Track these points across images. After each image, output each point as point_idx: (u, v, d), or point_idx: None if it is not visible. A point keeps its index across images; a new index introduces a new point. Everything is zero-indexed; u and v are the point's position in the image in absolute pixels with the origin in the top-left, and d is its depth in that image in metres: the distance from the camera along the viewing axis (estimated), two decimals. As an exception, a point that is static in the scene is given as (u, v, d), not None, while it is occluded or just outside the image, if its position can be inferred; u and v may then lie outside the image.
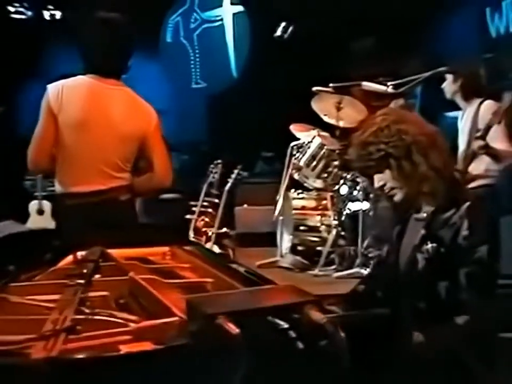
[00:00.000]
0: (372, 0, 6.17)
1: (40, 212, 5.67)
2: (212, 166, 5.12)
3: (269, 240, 5.19)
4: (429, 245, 1.86)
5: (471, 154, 3.44)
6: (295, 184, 4.97)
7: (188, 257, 1.94)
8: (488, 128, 3.32)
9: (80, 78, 2.52)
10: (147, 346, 1.10)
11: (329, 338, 1.10)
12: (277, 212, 4.75)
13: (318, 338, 1.10)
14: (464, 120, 3.78)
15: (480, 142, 3.33)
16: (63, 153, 2.46)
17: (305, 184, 4.89)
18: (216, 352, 1.04)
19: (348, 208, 4.72)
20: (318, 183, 4.80)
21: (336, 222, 4.67)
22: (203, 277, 1.69)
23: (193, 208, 4.81)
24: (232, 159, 5.36)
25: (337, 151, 4.72)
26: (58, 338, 1.07)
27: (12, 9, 7.16)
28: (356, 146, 1.97)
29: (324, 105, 4.86)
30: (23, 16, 7.26)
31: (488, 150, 3.36)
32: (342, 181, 4.74)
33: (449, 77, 3.81)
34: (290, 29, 7.35)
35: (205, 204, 4.88)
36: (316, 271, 4.48)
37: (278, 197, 4.78)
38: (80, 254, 1.82)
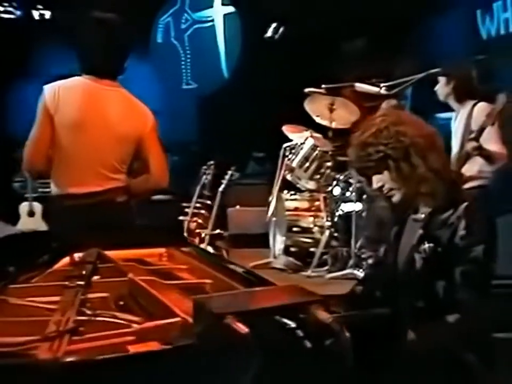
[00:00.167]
0: (363, 1, 6.18)
1: (31, 213, 5.63)
2: (204, 167, 5.11)
3: (262, 241, 5.19)
4: (427, 245, 1.87)
5: (465, 155, 3.46)
6: (287, 185, 4.97)
7: (185, 258, 1.94)
8: (481, 130, 3.34)
9: (76, 79, 2.50)
10: (154, 346, 1.11)
11: (334, 338, 1.11)
12: (270, 213, 4.75)
13: (323, 338, 1.10)
14: (457, 121, 3.81)
15: (474, 144, 3.35)
16: (60, 154, 2.44)
17: (297, 185, 4.89)
18: (225, 352, 1.04)
19: (341, 209, 4.74)
20: (311, 184, 4.81)
21: (329, 223, 4.67)
22: (201, 278, 1.69)
23: (186, 210, 4.80)
24: (224, 160, 5.36)
25: (330, 152, 4.72)
26: (63, 339, 1.07)
27: (0, 8, 7.09)
28: (354, 147, 1.97)
29: (316, 106, 4.87)
30: (12, 16, 7.20)
31: (481, 151, 3.38)
32: (334, 182, 4.76)
33: (442, 80, 3.84)
34: (281, 29, 7.35)
35: (198, 205, 4.87)
36: (309, 272, 4.49)
37: (271, 198, 4.78)
38: (77, 255, 1.82)
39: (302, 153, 4.72)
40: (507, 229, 3.55)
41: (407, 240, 1.98)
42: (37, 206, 5.63)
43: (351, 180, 4.66)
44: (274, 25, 7.33)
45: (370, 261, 4.31)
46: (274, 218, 4.86)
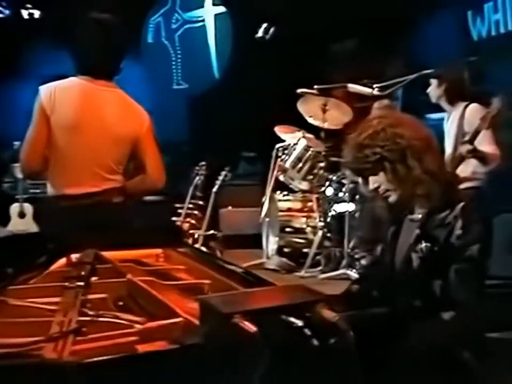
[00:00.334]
0: (353, 2, 6.19)
1: (22, 215, 5.58)
2: (196, 168, 5.10)
3: (254, 242, 5.19)
4: (424, 244, 1.90)
5: (459, 157, 3.48)
6: (280, 186, 4.98)
7: (182, 259, 1.94)
8: (476, 133, 3.37)
9: (72, 79, 2.49)
10: (162, 346, 1.10)
11: (339, 336, 1.11)
12: (263, 214, 4.75)
13: (328, 336, 1.11)
14: (449, 123, 3.83)
15: (468, 146, 3.37)
16: (56, 155, 2.42)
17: (290, 186, 4.90)
18: (234, 351, 1.04)
19: (334, 210, 4.74)
20: (304, 185, 4.82)
21: (322, 224, 4.68)
22: (199, 278, 1.68)
23: (179, 210, 4.79)
24: (216, 161, 5.35)
25: (323, 153, 4.73)
26: (67, 340, 1.07)
27: (-12, 8, 7.05)
28: (351, 148, 1.99)
29: (309, 107, 4.87)
30: (0, 15, 7.14)
31: (476, 153, 3.41)
32: (327, 183, 4.77)
33: (434, 81, 3.86)
34: (272, 30, 7.35)
35: (190, 205, 4.86)
36: (302, 273, 4.50)
37: (264, 199, 4.79)
38: (74, 256, 1.80)
39: (295, 153, 4.73)
40: (501, 229, 3.59)
41: (404, 240, 2.00)
42: (28, 207, 5.59)
43: (344, 181, 4.68)
44: (265, 25, 7.32)
45: (363, 261, 4.33)
46: (267, 219, 4.86)
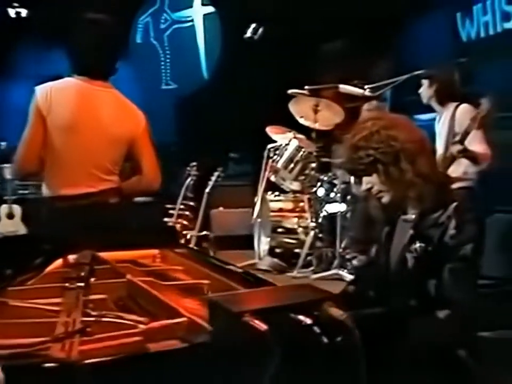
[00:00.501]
0: (343, 3, 6.21)
1: (10, 216, 5.53)
2: (188, 168, 5.08)
3: (245, 242, 5.19)
4: (418, 245, 1.91)
5: (450, 157, 3.50)
6: (272, 187, 4.98)
7: (179, 259, 1.93)
8: (466, 133, 3.40)
9: (68, 79, 2.48)
10: (171, 345, 1.10)
11: (347, 334, 1.12)
12: (255, 215, 4.75)
13: (336, 335, 1.12)
14: (441, 123, 3.86)
15: (459, 147, 3.40)
16: (52, 155, 2.41)
17: (282, 187, 4.90)
18: (245, 349, 1.05)
19: (325, 210, 4.75)
20: (295, 185, 4.82)
21: (313, 224, 4.69)
22: (198, 278, 1.68)
23: (170, 211, 4.77)
24: (207, 161, 5.34)
25: (314, 153, 4.74)
26: (74, 340, 1.07)
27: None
28: (346, 149, 2.00)
29: (301, 107, 4.88)
30: (-13, 14, 7.08)
31: (466, 153, 3.44)
32: (319, 183, 4.78)
33: (425, 82, 3.89)
34: (261, 30, 7.34)
35: (181, 206, 4.85)
36: (294, 273, 4.50)
37: (256, 199, 4.78)
38: (71, 257, 1.80)
39: (286, 154, 4.73)
40: (492, 229, 3.62)
41: (398, 240, 2.01)
42: (16, 208, 5.55)
43: (335, 181, 4.69)
44: (253, 25, 7.32)
45: (355, 262, 4.34)
46: (259, 220, 4.86)
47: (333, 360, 1.11)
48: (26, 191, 5.77)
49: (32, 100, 2.38)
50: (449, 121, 3.76)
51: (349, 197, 4.59)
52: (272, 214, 4.85)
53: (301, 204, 4.93)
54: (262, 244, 4.90)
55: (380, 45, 6.23)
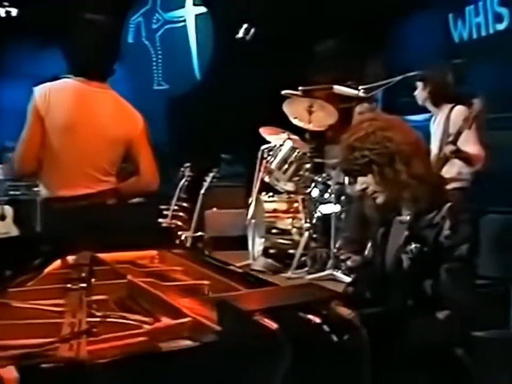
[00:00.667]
0: (334, 3, 6.22)
1: (2, 217, 5.49)
2: (181, 169, 5.07)
3: (239, 243, 5.18)
4: (413, 245, 1.92)
5: (444, 158, 3.52)
6: (266, 187, 4.98)
7: (178, 260, 1.94)
8: (458, 133, 3.42)
9: (66, 80, 2.47)
10: (184, 344, 1.11)
11: (354, 333, 1.14)
12: (249, 215, 4.74)
13: (343, 333, 1.14)
14: (435, 124, 3.88)
15: (452, 147, 3.42)
16: (50, 156, 2.40)
17: (276, 187, 4.90)
18: (257, 348, 1.05)
19: (319, 211, 4.75)
20: (289, 186, 4.82)
21: (308, 225, 4.69)
22: (197, 279, 1.69)
23: (164, 212, 4.76)
24: (200, 162, 5.33)
25: (308, 154, 4.74)
26: (81, 340, 1.08)
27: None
28: (342, 150, 2.02)
29: (295, 108, 4.88)
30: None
31: (459, 154, 3.46)
32: (313, 184, 4.78)
33: (419, 84, 3.91)
34: (252, 30, 7.34)
35: (175, 207, 4.84)
36: (289, 274, 4.49)
37: (250, 200, 4.78)
38: (70, 258, 1.80)
39: (281, 155, 4.73)
40: (486, 230, 3.64)
41: (394, 241, 2.02)
42: (8, 210, 5.50)
43: (329, 182, 4.69)
44: (245, 26, 7.31)
45: (349, 262, 4.35)
46: (253, 220, 4.85)
47: (341, 358, 1.13)
48: (18, 192, 5.73)
49: (30, 100, 2.38)
50: (444, 122, 3.79)
51: (343, 198, 4.59)
52: (266, 214, 4.84)
53: (295, 205, 4.92)
54: (256, 244, 4.89)
55: (372, 46, 6.25)
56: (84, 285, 1.47)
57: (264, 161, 4.82)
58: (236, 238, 5.32)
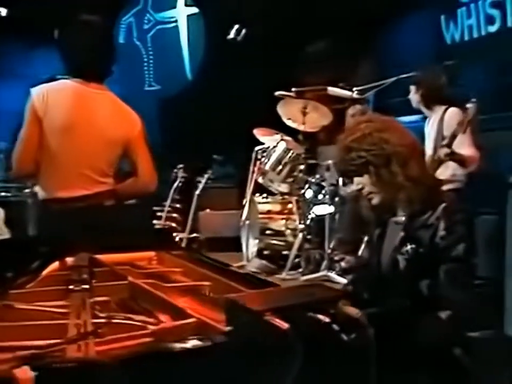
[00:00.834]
0: (327, 4, 6.23)
1: (-6, 219, 5.43)
2: (174, 170, 5.06)
3: (232, 244, 5.17)
4: (409, 246, 1.93)
5: (438, 160, 3.54)
6: (260, 188, 4.97)
7: (176, 261, 1.93)
8: (453, 137, 3.44)
9: (64, 81, 2.46)
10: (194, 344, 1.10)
11: (362, 332, 1.16)
12: (243, 217, 4.74)
13: (352, 332, 1.16)
14: (429, 126, 3.90)
15: (446, 150, 3.44)
16: (48, 157, 2.39)
17: (269, 188, 4.90)
18: (269, 347, 1.06)
19: (313, 212, 4.76)
20: (283, 187, 4.83)
21: (302, 226, 4.69)
22: (198, 280, 1.68)
23: (158, 214, 4.74)
24: (193, 163, 5.32)
25: (302, 155, 4.75)
26: (89, 341, 1.08)
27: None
28: (339, 150, 2.03)
29: (289, 109, 4.89)
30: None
31: (454, 156, 3.48)
32: (307, 185, 4.78)
33: (412, 88, 3.94)
34: (244, 31, 7.34)
35: (169, 209, 4.82)
36: (283, 275, 4.49)
37: (244, 201, 4.77)
38: (68, 260, 1.79)
39: (275, 156, 4.73)
40: (479, 231, 3.66)
41: (390, 242, 2.03)
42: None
43: (323, 183, 4.69)
44: (236, 26, 7.31)
45: (343, 263, 4.36)
46: (247, 222, 4.85)
47: (351, 357, 1.14)
48: (9, 194, 5.68)
49: (28, 101, 2.36)
50: (437, 124, 3.81)
51: (337, 199, 4.60)
52: (260, 216, 4.84)
53: (289, 206, 4.92)
54: (250, 246, 4.89)
55: (364, 47, 6.27)
56: (86, 286, 1.47)
57: (258, 162, 4.82)
58: (229, 239, 5.32)
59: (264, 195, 5.00)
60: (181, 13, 7.85)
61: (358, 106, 4.78)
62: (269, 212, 4.90)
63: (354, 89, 4.39)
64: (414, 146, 2.03)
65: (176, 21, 7.90)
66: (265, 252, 4.79)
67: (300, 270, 4.57)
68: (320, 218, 4.68)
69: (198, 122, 6.98)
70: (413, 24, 5.73)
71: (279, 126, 5.04)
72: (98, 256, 1.79)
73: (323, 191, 4.68)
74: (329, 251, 4.46)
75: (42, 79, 2.48)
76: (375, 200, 2.00)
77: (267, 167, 4.72)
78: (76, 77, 2.45)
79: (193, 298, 1.40)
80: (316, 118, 4.84)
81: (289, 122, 4.99)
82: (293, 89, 4.87)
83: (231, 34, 7.33)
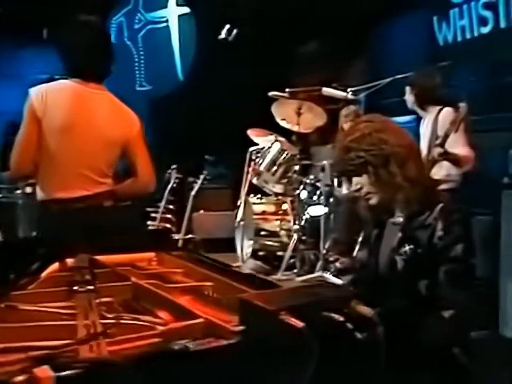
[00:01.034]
0: (319, 4, 6.24)
1: (-14, 220, 5.37)
2: (168, 171, 5.04)
3: (226, 245, 5.16)
4: (407, 247, 1.93)
5: (432, 160, 3.56)
6: (254, 189, 4.97)
7: (176, 261, 1.93)
8: (446, 136, 3.46)
9: (63, 82, 2.45)
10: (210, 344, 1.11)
11: (374, 330, 1.17)
12: (238, 217, 4.73)
13: (365, 330, 1.17)
14: (424, 126, 3.93)
15: (439, 150, 3.46)
16: (47, 158, 2.37)
17: (264, 189, 4.89)
18: (285, 346, 1.06)
19: (308, 213, 4.76)
20: (278, 188, 4.82)
21: (296, 227, 4.69)
22: (199, 280, 1.68)
23: (153, 215, 4.72)
24: (187, 164, 5.30)
25: (297, 156, 4.75)
26: (100, 342, 1.08)
27: None
28: (338, 150, 2.04)
29: (284, 110, 4.88)
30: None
31: (447, 156, 3.49)
32: (301, 186, 4.78)
33: (407, 88, 3.96)
34: (235, 31, 7.32)
35: (163, 210, 4.80)
36: (278, 276, 4.49)
37: (239, 202, 4.76)
38: (69, 261, 1.78)
39: (269, 156, 4.73)
40: (474, 232, 3.67)
41: (388, 243, 2.03)
42: (-8, 213, 5.39)
43: (318, 184, 4.70)
44: (227, 26, 7.29)
45: (338, 264, 4.36)
46: (242, 222, 4.84)
47: (363, 354, 1.16)
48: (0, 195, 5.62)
49: (27, 102, 2.34)
50: (432, 124, 3.83)
51: (331, 200, 4.60)
52: (255, 217, 4.83)
53: (284, 207, 4.92)
54: (245, 246, 4.88)
55: (357, 48, 6.28)
56: (91, 287, 1.47)
57: (252, 163, 4.81)
58: (223, 240, 5.31)
59: (259, 196, 5.00)
60: (172, 13, 7.82)
61: (352, 107, 4.79)
62: (263, 212, 4.90)
63: (348, 89, 4.39)
64: (412, 146, 2.04)
65: (167, 21, 7.86)
66: (260, 253, 4.79)
67: (295, 270, 4.58)
68: (315, 219, 4.68)
69: (189, 123, 6.96)
70: (406, 25, 5.74)
71: (271, 127, 5.04)
72: (98, 257, 1.79)
73: (318, 192, 4.69)
74: (324, 252, 4.47)
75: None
76: (373, 201, 2.00)
77: (261, 167, 4.71)
78: (74, 77, 2.44)
79: (197, 298, 1.41)
80: (310, 119, 4.84)
81: (283, 123, 4.99)
82: (287, 89, 4.87)
83: (222, 34, 7.31)
